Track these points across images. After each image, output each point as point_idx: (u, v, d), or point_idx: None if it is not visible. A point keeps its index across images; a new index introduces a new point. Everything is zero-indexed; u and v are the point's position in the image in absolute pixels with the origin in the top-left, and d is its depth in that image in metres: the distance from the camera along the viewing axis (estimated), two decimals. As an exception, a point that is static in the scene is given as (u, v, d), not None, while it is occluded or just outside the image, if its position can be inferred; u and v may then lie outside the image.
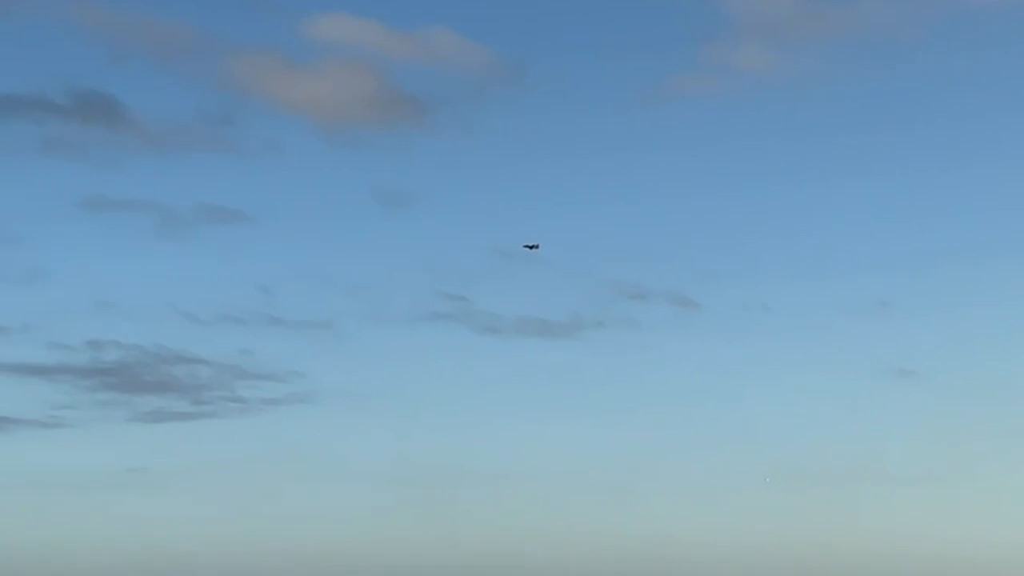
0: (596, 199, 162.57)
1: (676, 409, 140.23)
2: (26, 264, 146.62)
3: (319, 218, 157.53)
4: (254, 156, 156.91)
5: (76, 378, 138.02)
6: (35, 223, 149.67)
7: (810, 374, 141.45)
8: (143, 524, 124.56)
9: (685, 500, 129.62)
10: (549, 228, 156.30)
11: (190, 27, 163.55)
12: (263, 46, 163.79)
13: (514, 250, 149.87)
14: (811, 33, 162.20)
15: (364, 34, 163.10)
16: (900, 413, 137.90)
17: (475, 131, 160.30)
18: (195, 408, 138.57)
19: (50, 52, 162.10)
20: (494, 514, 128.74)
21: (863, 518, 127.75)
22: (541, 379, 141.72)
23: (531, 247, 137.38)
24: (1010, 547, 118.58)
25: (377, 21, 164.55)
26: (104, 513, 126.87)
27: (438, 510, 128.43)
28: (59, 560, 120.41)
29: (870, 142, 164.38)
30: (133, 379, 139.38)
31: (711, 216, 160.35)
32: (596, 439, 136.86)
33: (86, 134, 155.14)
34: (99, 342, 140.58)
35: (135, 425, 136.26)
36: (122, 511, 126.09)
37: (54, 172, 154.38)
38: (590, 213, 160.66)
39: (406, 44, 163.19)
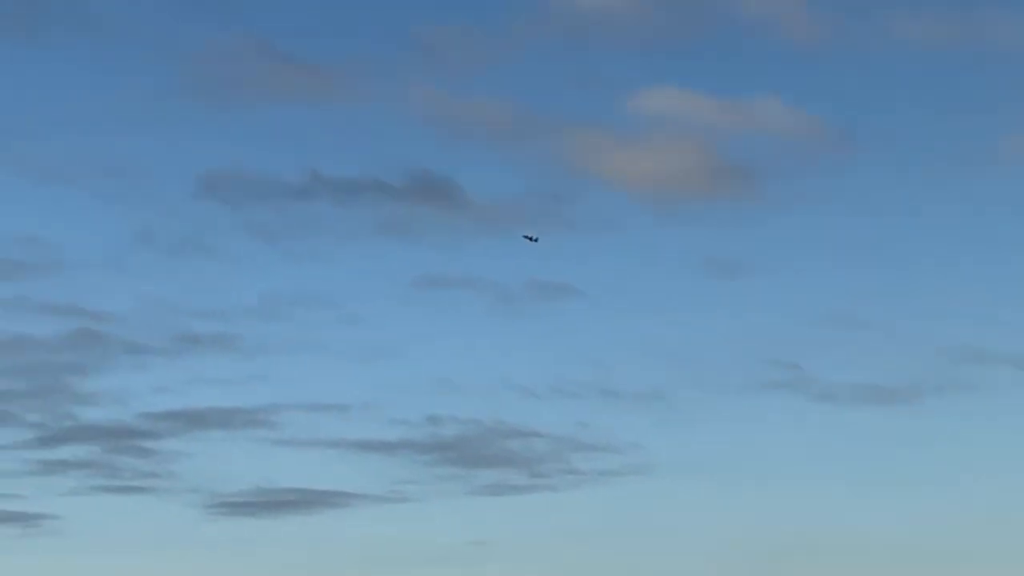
0: (929, 260, 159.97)
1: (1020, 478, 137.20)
2: (365, 343, 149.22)
3: (650, 290, 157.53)
4: (584, 231, 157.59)
5: (416, 453, 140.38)
6: (373, 302, 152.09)
7: None
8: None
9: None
10: (882, 292, 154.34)
11: (520, 107, 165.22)
12: (591, 122, 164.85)
13: (848, 316, 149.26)
14: None
15: (691, 105, 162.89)
16: None
17: (804, 198, 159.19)
18: (532, 481, 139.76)
19: (386, 137, 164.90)
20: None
21: None
22: (878, 447, 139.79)
23: (530, 238, 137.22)
24: None
25: (703, 92, 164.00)
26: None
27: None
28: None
29: None
30: (471, 453, 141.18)
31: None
32: (935, 508, 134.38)
33: (421, 215, 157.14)
34: (438, 417, 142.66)
35: (474, 498, 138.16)
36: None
37: (390, 252, 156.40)
38: (924, 276, 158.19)
39: (733, 114, 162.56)
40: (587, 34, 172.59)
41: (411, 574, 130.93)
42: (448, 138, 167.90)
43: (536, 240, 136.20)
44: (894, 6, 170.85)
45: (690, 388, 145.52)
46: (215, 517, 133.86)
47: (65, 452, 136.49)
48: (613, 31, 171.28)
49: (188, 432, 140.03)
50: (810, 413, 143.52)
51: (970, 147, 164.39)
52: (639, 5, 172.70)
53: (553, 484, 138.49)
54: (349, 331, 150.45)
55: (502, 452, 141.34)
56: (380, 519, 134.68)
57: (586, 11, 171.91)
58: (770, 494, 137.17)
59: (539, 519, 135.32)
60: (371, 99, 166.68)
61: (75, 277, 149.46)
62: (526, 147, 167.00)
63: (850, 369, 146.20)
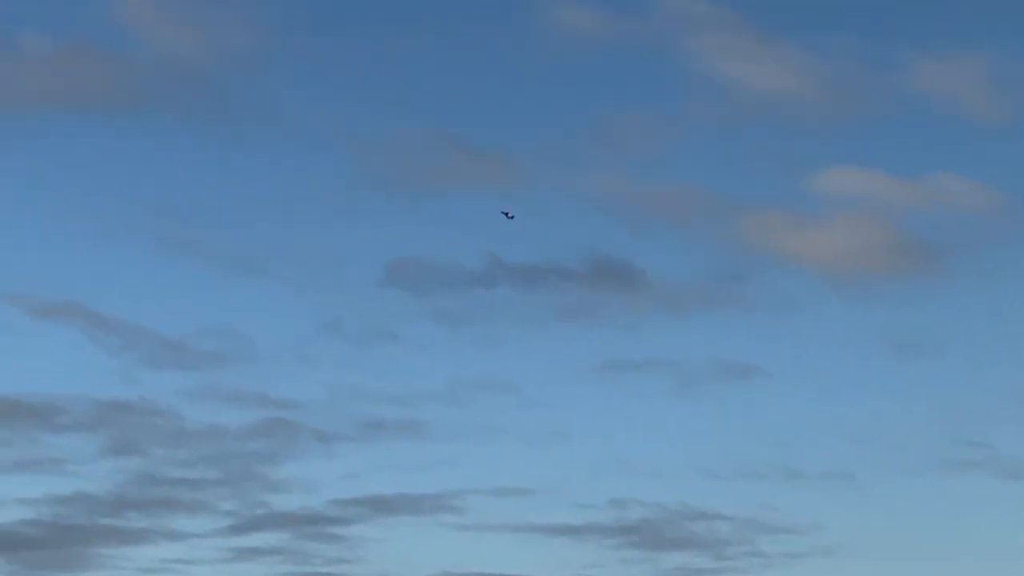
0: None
1: None
2: (548, 427, 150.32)
3: (833, 369, 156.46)
4: (766, 312, 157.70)
5: (601, 537, 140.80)
6: (555, 387, 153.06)
7: None
8: None
9: None
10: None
11: (699, 190, 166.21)
12: (772, 204, 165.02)
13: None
14: None
15: (870, 185, 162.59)
16: None
17: (989, 273, 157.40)
18: (718, 564, 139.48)
19: (566, 222, 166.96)
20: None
21: None
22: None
23: (507, 215, 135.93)
24: None
25: (882, 171, 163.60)
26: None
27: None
28: None
29: None
30: (657, 536, 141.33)
31: None
32: None
33: (602, 299, 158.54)
34: (621, 501, 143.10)
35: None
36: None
37: (571, 337, 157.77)
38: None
39: (914, 191, 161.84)
40: (763, 115, 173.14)
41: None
42: (628, 222, 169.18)
43: (512, 216, 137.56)
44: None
45: (876, 468, 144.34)
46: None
47: (257, 539, 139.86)
48: (790, 111, 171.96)
49: (376, 518, 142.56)
50: (999, 492, 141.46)
51: None
52: (815, 85, 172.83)
53: (739, 567, 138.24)
54: (532, 415, 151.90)
55: (687, 535, 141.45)
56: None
57: (761, 93, 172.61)
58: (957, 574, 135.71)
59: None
60: (550, 185, 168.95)
61: (266, 366, 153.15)
62: (706, 229, 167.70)
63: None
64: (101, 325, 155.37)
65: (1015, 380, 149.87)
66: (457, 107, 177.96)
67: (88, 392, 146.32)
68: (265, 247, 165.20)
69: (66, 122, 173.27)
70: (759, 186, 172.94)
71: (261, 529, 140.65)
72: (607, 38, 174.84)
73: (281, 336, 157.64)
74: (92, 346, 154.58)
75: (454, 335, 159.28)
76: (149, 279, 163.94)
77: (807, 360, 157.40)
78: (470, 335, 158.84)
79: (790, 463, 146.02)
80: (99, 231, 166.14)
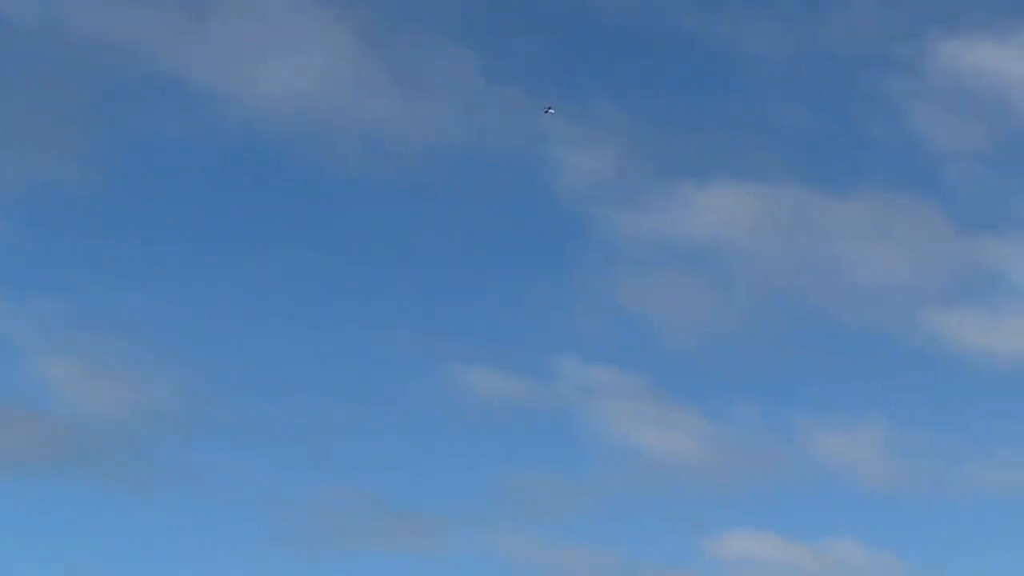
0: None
1: None
2: None
3: None
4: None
5: None
6: None
7: None
8: None
9: None
10: None
11: (607, 553, 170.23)
12: (674, 566, 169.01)
13: None
14: None
15: (768, 549, 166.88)
16: None
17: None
18: None
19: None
20: None
21: None
22: None
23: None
24: None
25: (781, 536, 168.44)
26: None
27: None
28: None
29: None
30: None
31: None
32: None
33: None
34: None
35: None
36: None
37: None
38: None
39: (811, 557, 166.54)
40: (666, 480, 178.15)
41: None
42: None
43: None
44: (968, 453, 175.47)
45: None
46: None
47: None
48: (692, 477, 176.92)
49: None
50: None
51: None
52: (716, 451, 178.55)
53: None
54: None
55: None
56: None
57: (664, 458, 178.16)
58: None
59: None
60: (462, 545, 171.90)
61: None
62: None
63: None
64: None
65: None
66: (372, 467, 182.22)
67: None
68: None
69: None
70: (661, 549, 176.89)
71: None
72: (515, 402, 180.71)
73: None
74: None
75: None
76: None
77: None
78: None
79: None
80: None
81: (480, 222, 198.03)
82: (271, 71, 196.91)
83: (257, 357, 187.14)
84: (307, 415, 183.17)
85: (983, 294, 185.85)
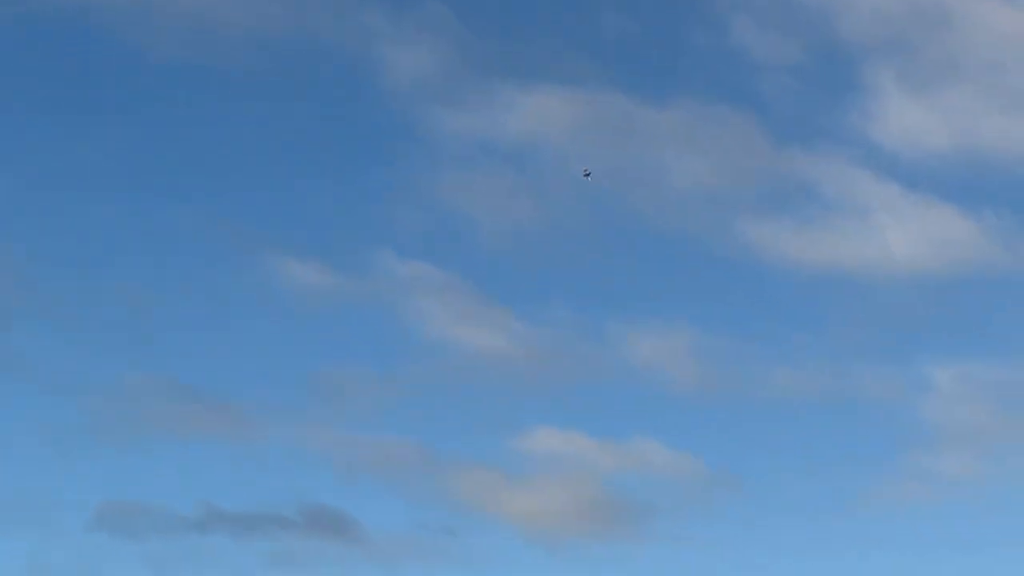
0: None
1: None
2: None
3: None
4: (475, 567, 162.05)
5: None
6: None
7: None
8: None
9: None
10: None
11: (415, 446, 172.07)
12: (482, 461, 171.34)
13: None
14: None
15: (573, 446, 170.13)
16: None
17: (687, 539, 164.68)
18: None
19: (284, 473, 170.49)
20: None
21: None
22: None
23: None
24: None
25: (586, 434, 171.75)
26: None
27: None
28: None
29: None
30: None
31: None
32: None
33: (316, 548, 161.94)
34: None
35: None
36: None
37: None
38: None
39: (614, 454, 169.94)
40: (477, 377, 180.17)
41: None
42: (344, 474, 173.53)
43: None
44: (772, 359, 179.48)
45: None
46: None
47: None
48: (502, 374, 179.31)
49: None
50: None
51: (842, 491, 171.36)
52: (528, 350, 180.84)
53: None
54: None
55: None
56: None
57: (476, 355, 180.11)
58: None
59: None
60: (270, 436, 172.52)
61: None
62: (421, 484, 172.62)
63: None
64: None
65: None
66: (182, 355, 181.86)
67: None
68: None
69: None
70: (470, 444, 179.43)
71: None
72: (332, 296, 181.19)
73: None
74: None
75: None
76: None
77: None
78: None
79: None
80: None
81: (303, 116, 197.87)
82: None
83: (71, 241, 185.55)
84: (122, 302, 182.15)
85: (794, 205, 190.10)
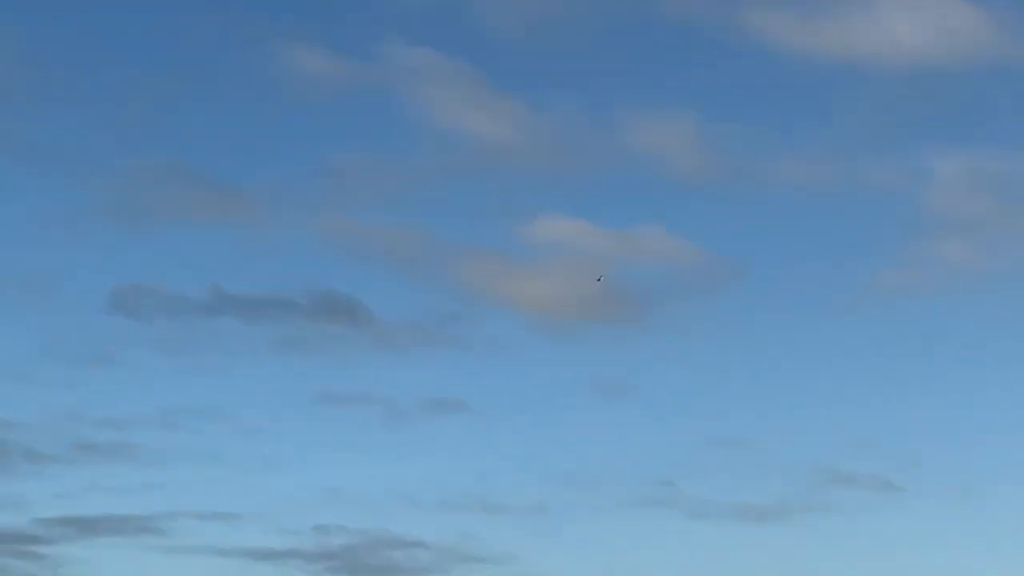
0: (804, 392, 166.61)
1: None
2: (260, 454, 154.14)
3: (537, 408, 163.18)
4: (478, 351, 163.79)
5: (303, 562, 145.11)
6: (269, 416, 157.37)
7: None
8: None
9: None
10: (758, 418, 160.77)
11: (423, 233, 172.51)
12: (488, 248, 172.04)
13: (724, 437, 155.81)
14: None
15: (578, 234, 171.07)
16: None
17: (689, 327, 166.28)
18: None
19: (294, 259, 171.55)
20: None
21: None
22: (750, 564, 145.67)
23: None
24: None
25: (589, 221, 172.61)
26: None
27: None
28: None
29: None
30: (357, 563, 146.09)
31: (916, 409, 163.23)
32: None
33: (324, 332, 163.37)
34: (325, 527, 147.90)
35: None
36: None
37: (291, 368, 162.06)
38: (800, 404, 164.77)
39: (619, 242, 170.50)
40: (484, 165, 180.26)
41: None
42: (353, 261, 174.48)
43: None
44: (777, 148, 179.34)
45: (571, 504, 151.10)
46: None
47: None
48: (509, 163, 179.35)
49: (80, 538, 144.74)
50: (684, 529, 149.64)
51: (846, 279, 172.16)
52: (533, 138, 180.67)
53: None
54: (243, 443, 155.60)
55: (388, 562, 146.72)
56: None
57: (483, 143, 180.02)
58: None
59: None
60: (279, 222, 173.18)
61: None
62: (428, 271, 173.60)
63: (724, 488, 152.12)
64: None
65: (703, 424, 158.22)
66: (191, 141, 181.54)
67: None
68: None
69: None
70: (475, 231, 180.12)
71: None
72: (339, 82, 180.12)
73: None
74: None
75: (173, 362, 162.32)
76: None
77: (513, 399, 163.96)
78: (189, 363, 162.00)
79: (491, 496, 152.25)
80: None
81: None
82: None
83: (80, 26, 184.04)
84: (129, 87, 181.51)
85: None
